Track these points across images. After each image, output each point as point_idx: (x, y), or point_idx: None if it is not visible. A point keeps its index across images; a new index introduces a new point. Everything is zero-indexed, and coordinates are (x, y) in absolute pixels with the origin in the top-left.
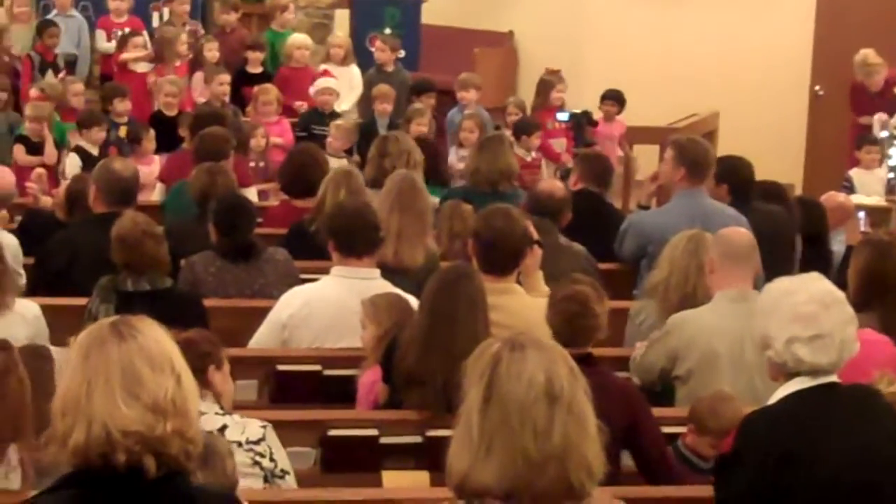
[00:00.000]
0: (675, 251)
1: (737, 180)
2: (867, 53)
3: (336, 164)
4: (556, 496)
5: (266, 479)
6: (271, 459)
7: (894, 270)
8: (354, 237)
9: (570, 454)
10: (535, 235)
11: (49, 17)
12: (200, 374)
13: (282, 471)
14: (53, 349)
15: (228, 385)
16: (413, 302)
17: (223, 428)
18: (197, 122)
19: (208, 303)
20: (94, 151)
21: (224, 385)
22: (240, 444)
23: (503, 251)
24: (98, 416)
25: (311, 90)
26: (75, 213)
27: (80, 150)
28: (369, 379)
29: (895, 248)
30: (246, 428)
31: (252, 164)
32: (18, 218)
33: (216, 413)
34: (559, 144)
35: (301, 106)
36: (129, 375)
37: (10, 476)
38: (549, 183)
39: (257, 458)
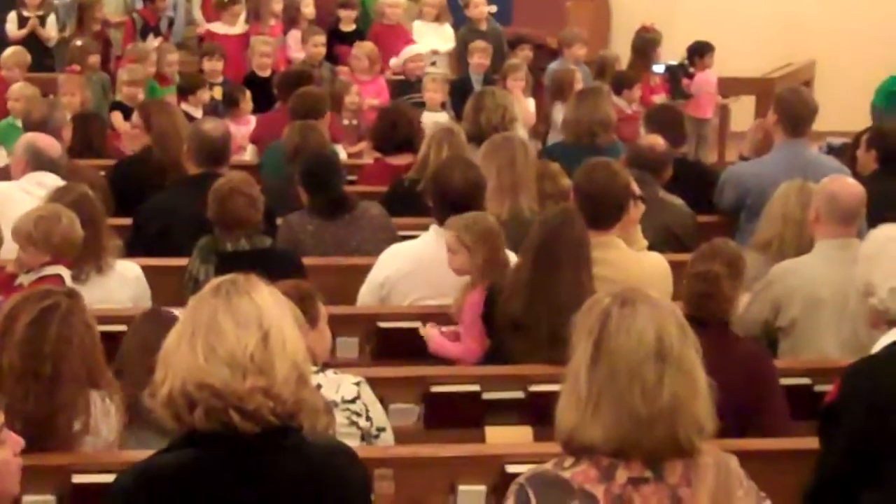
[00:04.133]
0: (786, 205)
1: (887, 147)
2: None
3: (433, 117)
4: (665, 453)
5: (363, 438)
6: (367, 418)
7: None
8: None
9: (679, 412)
10: (638, 190)
11: None
12: None
13: (377, 429)
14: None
15: (323, 343)
16: None
17: (317, 387)
18: (284, 83)
19: (307, 261)
20: (198, 114)
21: (320, 342)
22: (336, 404)
23: (606, 205)
24: (180, 369)
25: (396, 61)
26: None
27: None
28: (476, 299)
29: None
30: (340, 386)
31: (346, 122)
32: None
33: None
34: (660, 99)
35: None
36: (212, 330)
37: (101, 426)
38: (652, 138)
39: (353, 417)
